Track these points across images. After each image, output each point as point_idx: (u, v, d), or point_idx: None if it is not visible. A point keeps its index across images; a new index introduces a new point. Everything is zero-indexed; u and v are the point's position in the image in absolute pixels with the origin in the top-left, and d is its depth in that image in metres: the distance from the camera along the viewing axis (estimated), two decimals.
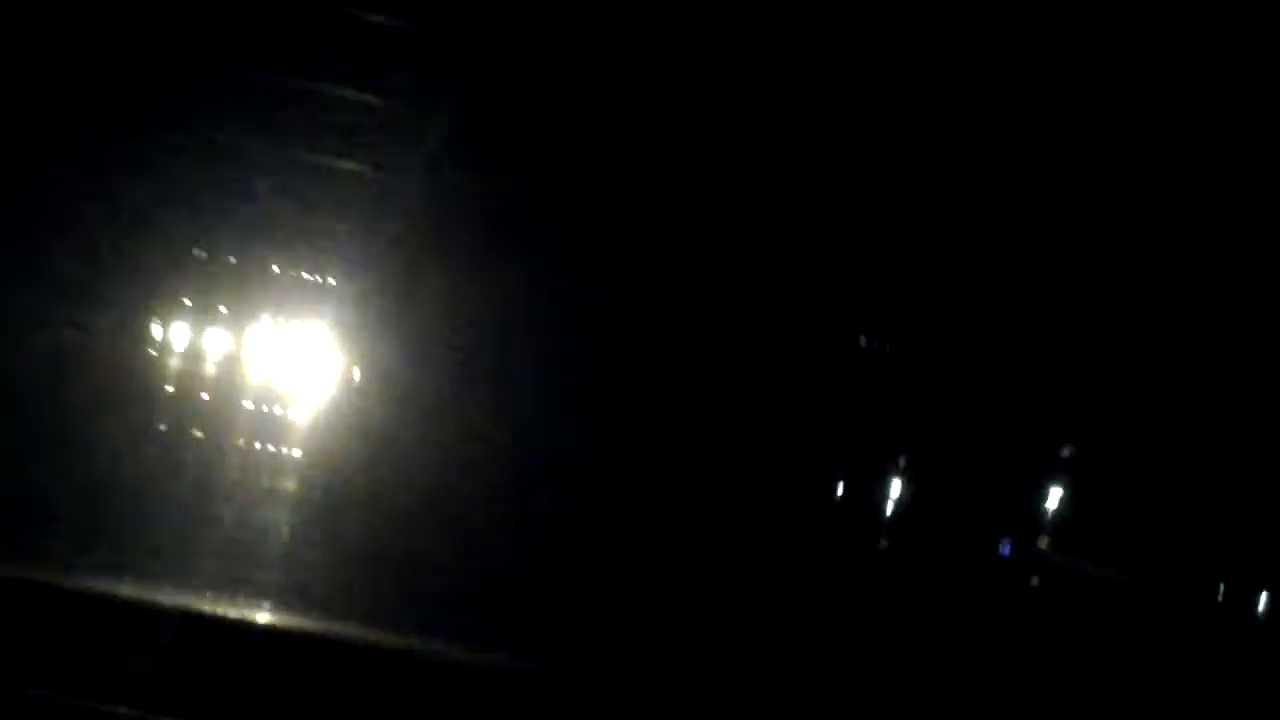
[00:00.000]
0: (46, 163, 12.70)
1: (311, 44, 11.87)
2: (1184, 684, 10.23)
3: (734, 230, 12.02)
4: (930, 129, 11.12)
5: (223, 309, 14.31)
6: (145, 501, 10.24)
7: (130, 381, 13.15)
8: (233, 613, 7.17)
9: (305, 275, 14.52)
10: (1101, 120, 10.60)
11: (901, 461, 13.15)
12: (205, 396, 13.75)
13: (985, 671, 9.96)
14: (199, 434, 13.28)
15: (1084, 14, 9.96)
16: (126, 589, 6.59)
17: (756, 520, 11.69)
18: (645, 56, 11.48)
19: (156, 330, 13.90)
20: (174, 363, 13.88)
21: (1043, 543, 12.59)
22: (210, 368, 14.06)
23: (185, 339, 14.02)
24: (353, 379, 13.90)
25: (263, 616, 7.64)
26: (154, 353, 13.79)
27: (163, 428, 13.02)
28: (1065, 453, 12.39)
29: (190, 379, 13.89)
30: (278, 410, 13.91)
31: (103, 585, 6.34)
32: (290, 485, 12.84)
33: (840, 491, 13.04)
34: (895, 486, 13.10)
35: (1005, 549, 14.03)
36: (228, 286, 14.21)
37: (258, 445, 13.45)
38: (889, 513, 13.01)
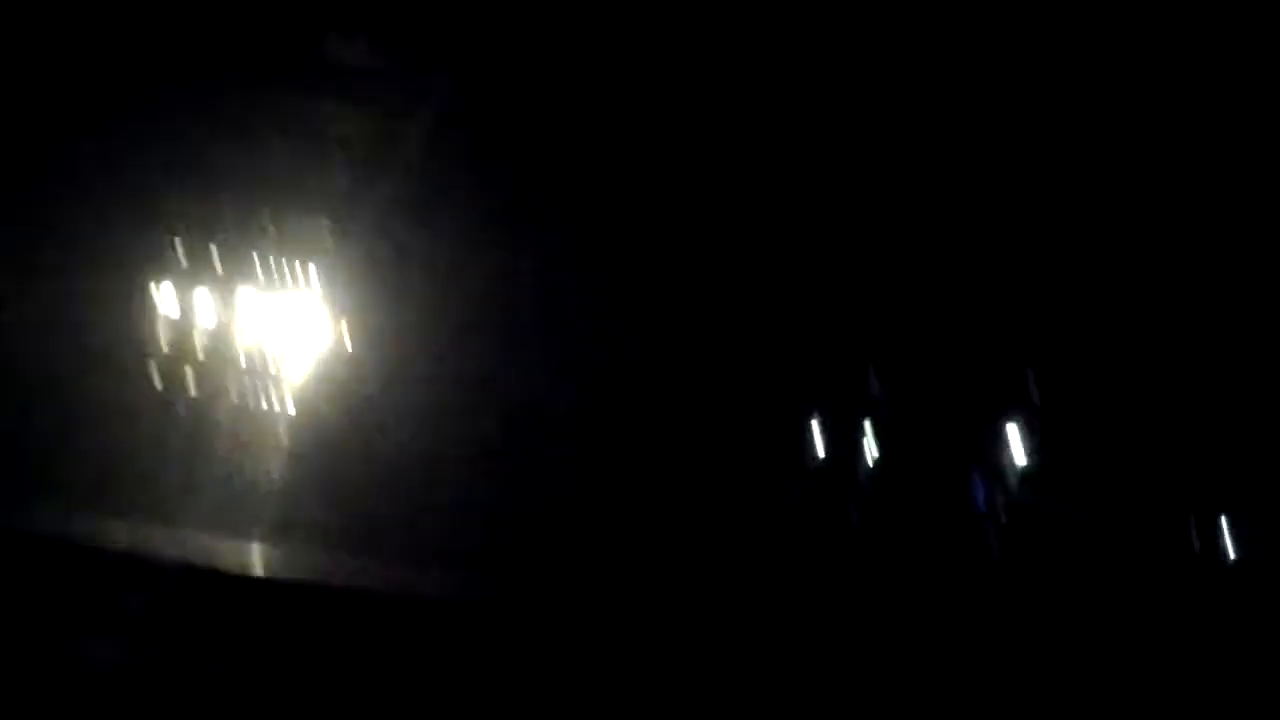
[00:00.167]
0: (38, 132, 12.82)
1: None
2: (1156, 620, 10.39)
3: (703, 187, 12.13)
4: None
5: (215, 271, 14.38)
6: (139, 458, 10.43)
7: (122, 344, 13.29)
8: (223, 558, 7.34)
9: (298, 239, 14.61)
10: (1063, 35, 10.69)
11: (869, 411, 13.23)
12: (199, 357, 13.87)
13: (964, 615, 10.12)
14: (193, 393, 13.44)
15: None
16: (118, 537, 6.75)
17: (729, 474, 11.84)
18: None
19: (148, 294, 14.00)
20: (166, 326, 13.98)
21: (1012, 484, 12.70)
22: (202, 331, 14.15)
23: (176, 303, 14.11)
24: (344, 340, 14.02)
25: (252, 560, 7.82)
26: (146, 316, 13.89)
27: (158, 387, 13.18)
28: (1029, 392, 12.49)
29: (183, 342, 14.01)
30: (270, 369, 14.02)
31: (95, 535, 6.51)
32: (283, 440, 13.04)
33: (809, 439, 13.16)
34: (864, 436, 13.19)
35: (979, 492, 14.19)
36: (219, 250, 14.30)
37: (250, 404, 13.60)
38: (859, 462, 13.12)
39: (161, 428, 12.15)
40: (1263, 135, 10.79)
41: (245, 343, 14.26)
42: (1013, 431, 12.41)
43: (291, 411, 13.74)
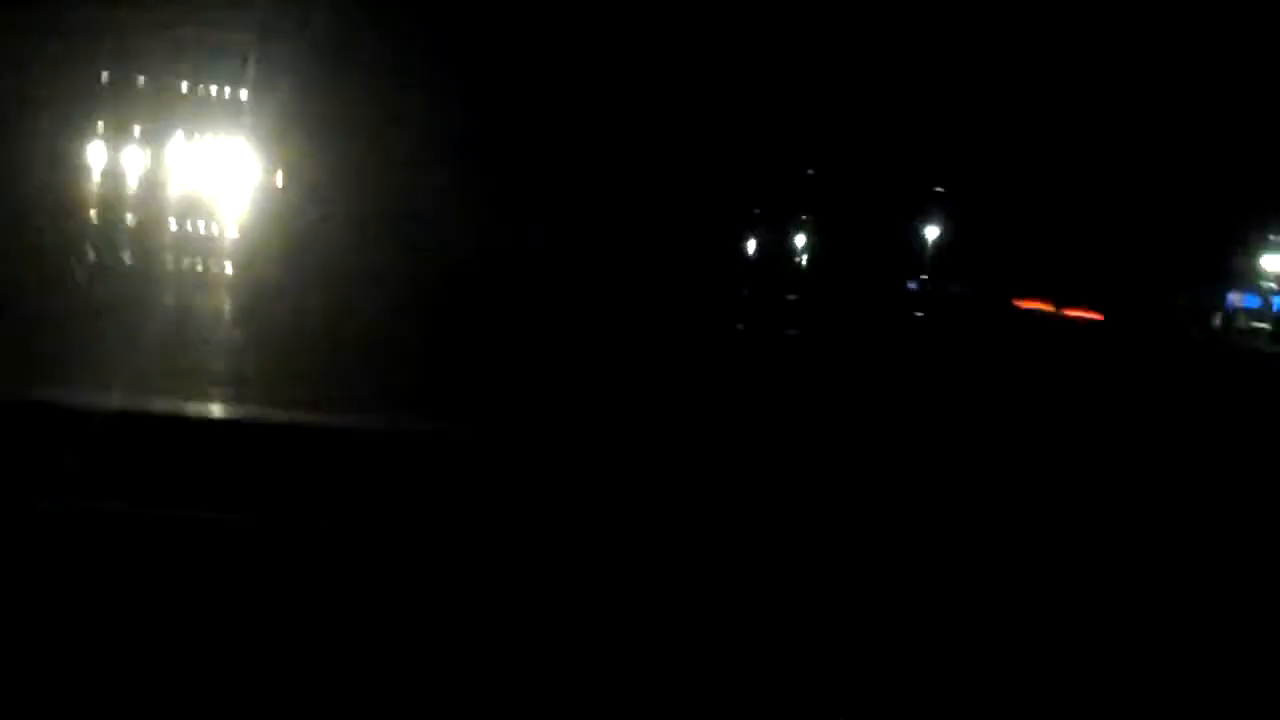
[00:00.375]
0: None
1: None
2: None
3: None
4: None
5: (136, 129, 14.37)
6: (74, 320, 10.53)
7: (53, 207, 13.30)
8: (161, 406, 7.50)
9: (216, 91, 14.56)
10: None
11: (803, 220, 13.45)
12: (129, 216, 13.93)
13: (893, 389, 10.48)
14: (126, 256, 13.50)
15: None
16: (58, 396, 6.89)
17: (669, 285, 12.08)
18: None
19: (74, 156, 13.98)
20: (95, 187, 13.99)
21: (935, 276, 13.06)
22: (132, 188, 14.17)
23: (102, 162, 14.10)
24: (275, 186, 14.08)
25: (193, 408, 7.99)
26: (74, 178, 13.90)
27: (89, 251, 13.22)
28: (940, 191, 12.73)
29: (113, 201, 14.04)
30: (202, 224, 14.10)
31: (33, 394, 6.63)
32: (219, 291, 13.15)
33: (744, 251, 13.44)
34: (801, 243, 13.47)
35: (912, 285, 14.73)
36: (140, 107, 14.26)
37: (185, 261, 13.71)
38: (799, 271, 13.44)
39: (96, 284, 12.25)
40: None
41: (177, 193, 14.31)
42: (927, 229, 12.72)
43: (229, 269, 13.82)
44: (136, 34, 13.82)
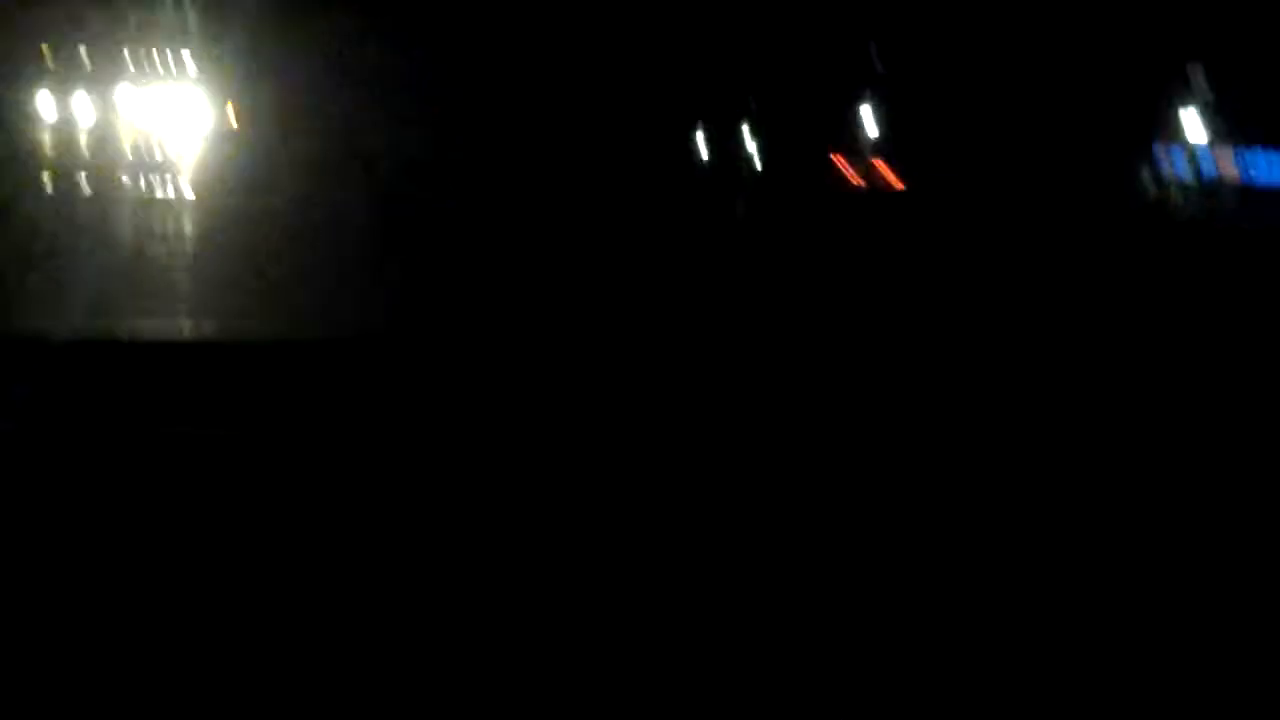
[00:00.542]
0: None
1: None
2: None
3: None
4: None
5: (85, 69, 14.23)
6: (40, 257, 10.51)
7: (11, 149, 13.24)
8: (122, 331, 7.50)
9: (169, 26, 14.44)
10: None
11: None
12: (86, 156, 13.84)
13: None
14: (86, 191, 13.45)
15: None
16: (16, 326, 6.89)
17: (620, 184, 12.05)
18: None
19: (22, 102, 13.88)
20: (48, 131, 13.91)
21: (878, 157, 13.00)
22: (85, 130, 14.07)
23: (53, 108, 13.98)
24: (229, 125, 13.99)
25: (150, 329, 7.99)
26: (25, 123, 13.81)
27: (48, 189, 13.18)
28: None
29: (68, 143, 13.95)
30: (159, 157, 14.02)
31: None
32: (179, 220, 13.14)
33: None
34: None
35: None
36: (89, 49, 14.14)
37: (145, 193, 13.65)
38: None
39: (58, 230, 12.19)
40: None
41: (131, 137, 14.22)
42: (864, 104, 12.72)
43: (189, 197, 13.82)
44: None
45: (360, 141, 12.42)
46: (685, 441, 5.39)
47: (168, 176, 13.87)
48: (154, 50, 13.99)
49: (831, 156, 13.90)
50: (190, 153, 13.87)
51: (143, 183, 13.71)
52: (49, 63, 14.01)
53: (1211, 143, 12.93)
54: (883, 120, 12.87)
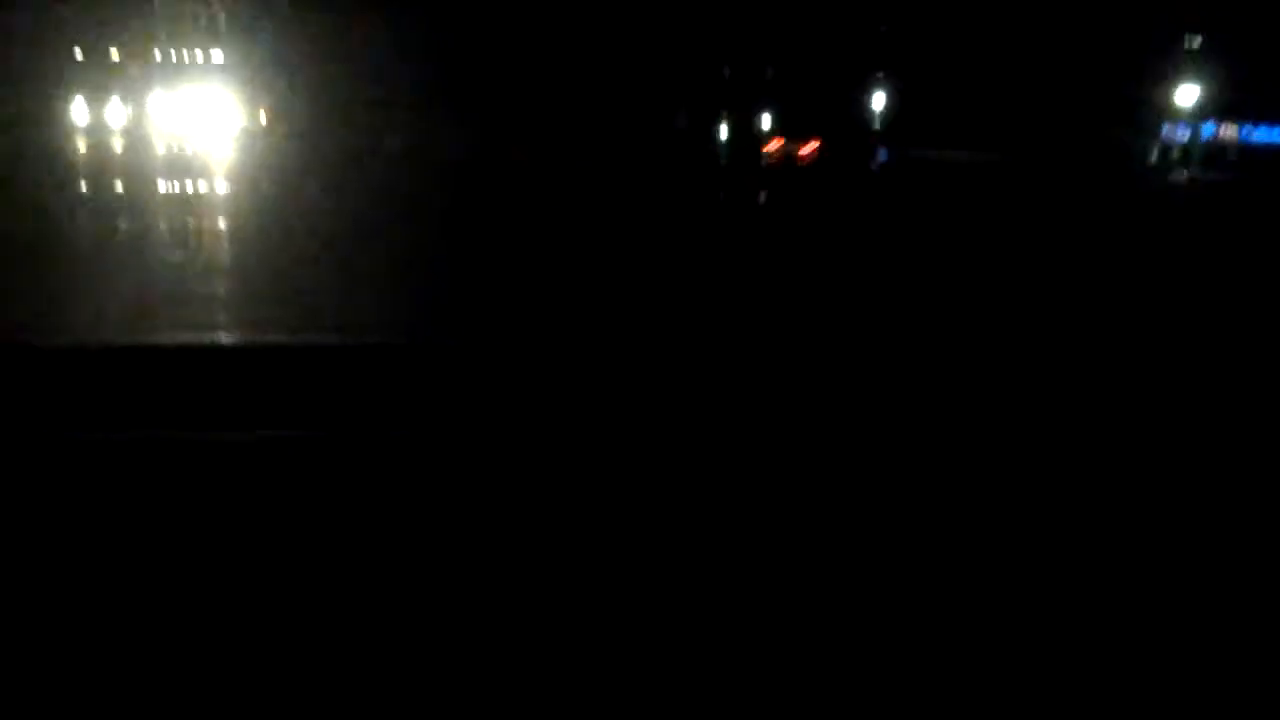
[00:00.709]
0: None
1: None
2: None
3: None
4: None
5: (123, 77, 14.53)
6: (73, 258, 10.77)
7: (49, 154, 13.50)
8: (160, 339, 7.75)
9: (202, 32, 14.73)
10: None
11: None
12: (122, 158, 14.12)
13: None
14: (120, 190, 13.69)
15: None
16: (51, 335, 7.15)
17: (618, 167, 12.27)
18: None
19: (62, 113, 14.15)
20: (86, 137, 14.18)
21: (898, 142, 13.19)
22: (123, 136, 14.37)
23: (89, 118, 14.27)
24: (259, 125, 14.27)
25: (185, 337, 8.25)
26: (65, 131, 14.09)
27: (83, 189, 13.42)
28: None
29: (103, 147, 14.23)
30: (192, 160, 14.28)
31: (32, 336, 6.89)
32: (217, 226, 13.33)
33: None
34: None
35: (881, 154, 14.94)
36: (123, 56, 14.42)
37: (177, 187, 13.87)
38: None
39: (95, 229, 12.44)
40: None
41: (164, 139, 14.49)
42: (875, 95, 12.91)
43: (221, 192, 14.04)
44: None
45: (378, 138, 12.64)
46: (686, 441, 5.55)
47: (198, 175, 14.14)
48: (185, 51, 14.28)
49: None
50: (221, 153, 14.15)
51: (173, 183, 13.96)
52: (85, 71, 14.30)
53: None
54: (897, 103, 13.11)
